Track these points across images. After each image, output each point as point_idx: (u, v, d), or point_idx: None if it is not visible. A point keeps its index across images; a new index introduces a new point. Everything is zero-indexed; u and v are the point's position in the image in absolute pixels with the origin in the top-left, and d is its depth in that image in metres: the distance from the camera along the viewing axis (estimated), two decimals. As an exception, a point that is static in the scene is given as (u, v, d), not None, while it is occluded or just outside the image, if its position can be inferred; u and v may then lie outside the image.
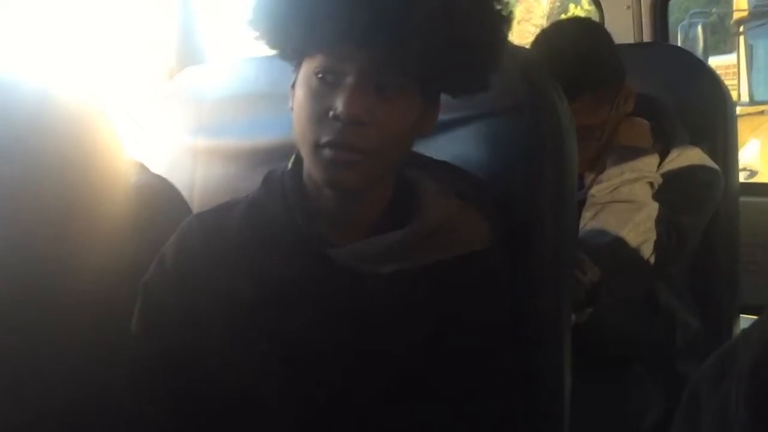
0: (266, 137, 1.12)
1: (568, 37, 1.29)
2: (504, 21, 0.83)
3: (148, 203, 0.95)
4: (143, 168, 1.03)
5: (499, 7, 0.82)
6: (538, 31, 1.40)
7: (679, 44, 4.11)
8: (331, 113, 0.76)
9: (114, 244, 0.79)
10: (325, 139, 0.76)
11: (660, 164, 1.31)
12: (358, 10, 0.73)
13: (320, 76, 0.77)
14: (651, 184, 1.25)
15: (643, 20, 1.75)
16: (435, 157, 0.93)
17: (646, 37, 1.77)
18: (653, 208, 1.23)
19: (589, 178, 1.33)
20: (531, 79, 0.94)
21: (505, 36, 0.84)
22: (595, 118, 1.27)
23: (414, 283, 0.83)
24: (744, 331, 0.52)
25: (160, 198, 0.99)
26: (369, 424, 0.83)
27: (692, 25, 4.30)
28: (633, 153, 1.27)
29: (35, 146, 0.67)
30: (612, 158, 1.28)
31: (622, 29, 1.73)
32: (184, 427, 0.82)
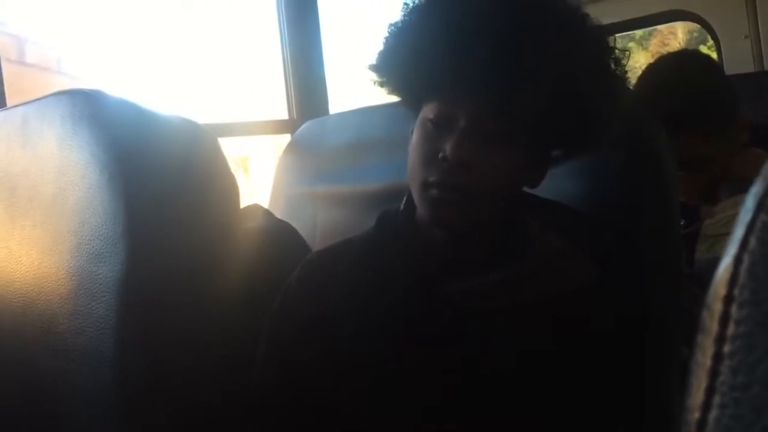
0: (380, 181, 1.19)
1: (672, 71, 1.28)
2: (618, 80, 0.85)
3: (273, 243, 1.04)
4: (268, 214, 1.13)
5: (614, 67, 0.84)
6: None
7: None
8: (440, 155, 0.81)
9: (241, 282, 0.86)
10: (432, 178, 0.81)
11: None
12: (472, 62, 0.78)
13: (434, 121, 0.83)
14: None
15: (763, 48, 1.70)
16: (534, 193, 0.96)
17: (767, 66, 1.71)
18: None
19: (704, 210, 1.31)
20: (629, 113, 0.96)
21: (620, 95, 0.85)
22: (706, 151, 1.25)
23: (522, 319, 0.84)
24: None
25: (283, 239, 1.09)
26: None
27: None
28: (748, 184, 1.23)
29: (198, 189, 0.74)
30: (726, 190, 1.25)
31: (740, 59, 1.68)
32: None
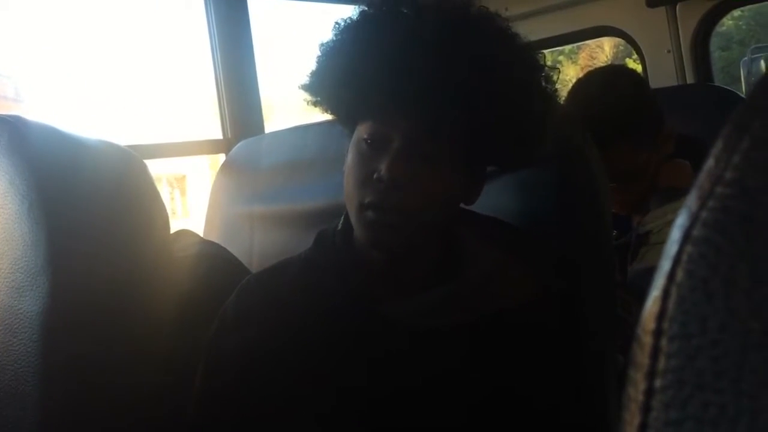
0: (317, 200, 1.18)
1: (600, 87, 1.32)
2: (549, 97, 0.86)
3: (207, 269, 1.01)
4: (200, 238, 1.11)
5: (546, 85, 0.85)
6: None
7: (742, 80, 4.03)
8: (375, 175, 0.80)
9: (174, 311, 0.83)
10: (368, 200, 0.81)
11: None
12: (406, 81, 0.77)
13: (369, 141, 0.82)
14: None
15: (685, 62, 1.76)
16: (473, 208, 0.96)
17: (690, 79, 1.78)
18: None
19: (635, 220, 1.34)
20: (560, 129, 0.97)
21: (551, 112, 0.86)
22: (633, 163, 1.29)
23: (462, 337, 0.84)
24: None
25: (217, 263, 1.06)
26: None
27: (754, 60, 4.20)
28: (676, 194, 1.27)
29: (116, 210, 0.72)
30: (655, 200, 1.29)
31: (664, 73, 1.74)
32: None
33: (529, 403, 0.86)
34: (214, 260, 1.05)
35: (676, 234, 0.22)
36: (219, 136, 1.57)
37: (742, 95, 1.59)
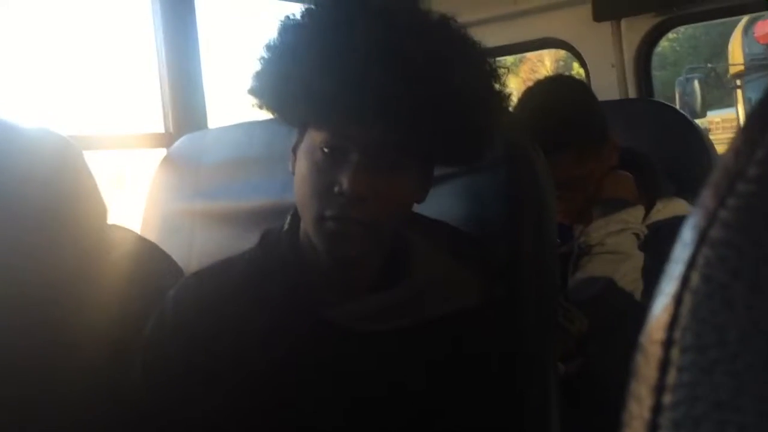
0: (261, 199, 1.16)
1: (549, 95, 1.34)
2: (503, 100, 0.86)
3: (142, 268, 0.97)
4: (136, 236, 1.06)
5: (499, 88, 0.85)
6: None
7: (677, 99, 4.17)
8: (336, 188, 0.78)
9: (107, 310, 0.80)
10: (329, 213, 0.78)
11: (646, 215, 1.33)
12: (364, 93, 0.75)
13: (325, 150, 0.79)
14: (637, 235, 1.28)
15: (627, 77, 1.81)
16: (421, 211, 0.96)
17: (632, 94, 1.83)
18: (639, 258, 1.25)
19: (577, 230, 1.36)
20: (508, 136, 0.98)
21: (503, 111, 0.87)
22: (579, 171, 1.30)
23: (409, 341, 0.84)
24: None
25: (153, 263, 1.02)
26: None
27: (689, 81, 4.36)
28: (618, 205, 1.30)
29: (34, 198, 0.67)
30: (598, 210, 1.31)
31: (607, 86, 1.78)
32: None
33: (467, 409, 0.86)
34: (150, 260, 1.01)
35: (689, 235, 0.20)
36: (161, 130, 1.52)
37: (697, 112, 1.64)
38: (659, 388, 0.19)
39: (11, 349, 0.65)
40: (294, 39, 0.82)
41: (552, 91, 1.36)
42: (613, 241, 1.25)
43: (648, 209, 1.34)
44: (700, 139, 1.49)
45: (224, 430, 0.82)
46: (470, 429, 0.86)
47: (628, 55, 1.80)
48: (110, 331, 0.81)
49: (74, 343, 0.70)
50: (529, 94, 1.38)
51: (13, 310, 0.62)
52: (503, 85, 0.86)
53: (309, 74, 0.77)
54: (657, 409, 0.19)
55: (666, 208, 1.35)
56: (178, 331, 0.85)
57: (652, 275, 1.25)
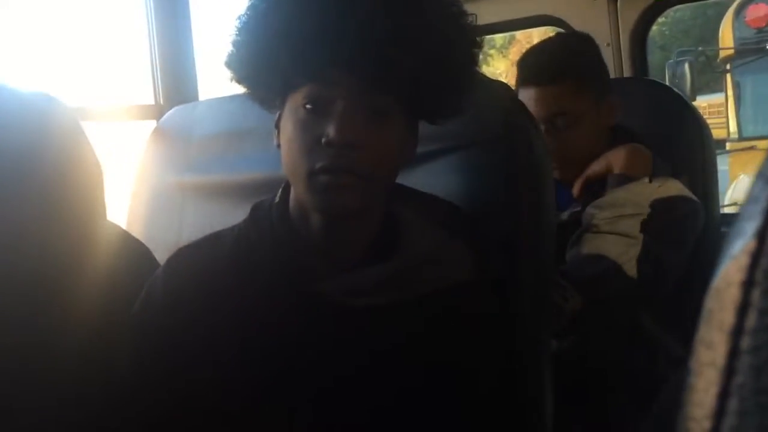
0: (252, 172, 1.14)
1: (552, 37, 1.40)
2: (476, 46, 0.85)
3: (130, 268, 0.94)
4: (124, 232, 1.04)
5: (472, 34, 0.85)
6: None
7: (666, 82, 4.17)
8: (323, 140, 0.76)
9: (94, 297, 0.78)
10: (319, 164, 0.77)
11: None
12: (345, 36, 0.75)
13: (308, 106, 0.78)
14: (643, 221, 1.27)
15: (623, 56, 1.80)
16: (417, 186, 0.94)
17: (626, 73, 1.82)
18: (642, 244, 1.24)
19: (577, 186, 1.34)
20: (507, 111, 0.97)
21: (477, 60, 0.86)
22: (576, 105, 1.30)
23: (399, 316, 0.83)
24: None
25: (143, 267, 0.99)
26: None
27: (679, 64, 4.37)
28: (634, 183, 1.29)
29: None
30: (612, 183, 1.29)
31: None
32: None
33: (462, 385, 0.85)
34: (140, 262, 0.97)
35: None
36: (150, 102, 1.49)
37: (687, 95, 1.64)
38: (737, 332, 0.17)
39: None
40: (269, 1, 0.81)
41: (560, 35, 1.38)
42: (625, 223, 1.25)
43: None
44: (695, 119, 1.48)
45: (215, 405, 0.81)
46: (464, 404, 0.86)
47: (624, 34, 1.79)
48: (101, 308, 0.78)
49: (57, 331, 0.67)
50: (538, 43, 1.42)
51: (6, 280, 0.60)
52: (473, 30, 0.86)
53: (289, 29, 0.77)
54: (733, 353, 0.17)
55: (661, 189, 1.34)
56: (167, 308, 0.84)
57: (647, 257, 1.24)
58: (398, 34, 0.75)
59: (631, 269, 1.22)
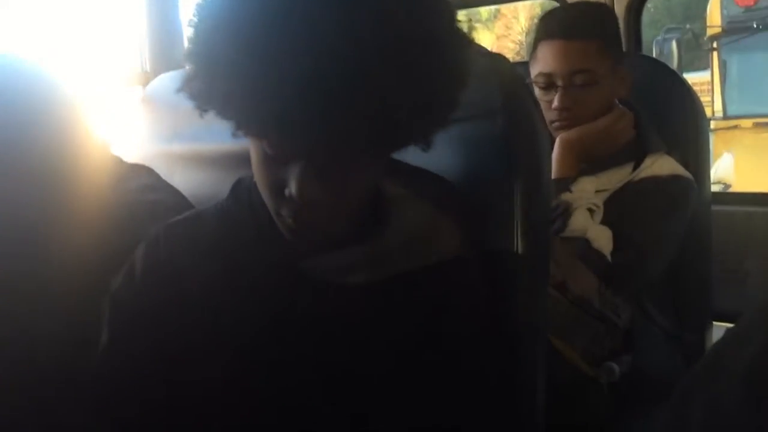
0: (243, 141, 1.11)
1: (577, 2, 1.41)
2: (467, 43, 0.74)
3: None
4: (163, 182, 1.03)
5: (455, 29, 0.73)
6: (517, 47, 1.47)
7: (653, 59, 4.17)
8: (286, 191, 0.71)
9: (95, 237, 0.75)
10: (284, 212, 0.74)
11: (635, 170, 1.33)
12: (297, 96, 0.63)
13: (268, 152, 0.72)
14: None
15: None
16: (409, 160, 0.92)
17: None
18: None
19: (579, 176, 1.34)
20: (506, 86, 0.95)
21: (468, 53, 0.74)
22: (597, 65, 1.31)
23: (385, 293, 0.82)
24: (732, 331, 0.52)
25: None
26: None
27: (666, 41, 4.36)
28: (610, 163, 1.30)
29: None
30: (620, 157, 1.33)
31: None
32: None
33: (451, 362, 0.84)
34: (168, 215, 0.95)
35: None
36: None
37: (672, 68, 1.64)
38: None
39: None
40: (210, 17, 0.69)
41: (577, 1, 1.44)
42: (597, 198, 1.26)
43: (636, 165, 1.34)
44: (689, 96, 1.47)
45: (193, 388, 0.80)
46: (453, 381, 0.85)
47: (619, 8, 1.77)
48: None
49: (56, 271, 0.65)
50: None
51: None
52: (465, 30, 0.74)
53: (228, 74, 0.65)
54: None
55: (654, 166, 1.34)
56: (147, 286, 0.82)
57: (634, 229, 1.25)
58: (372, 73, 0.63)
59: (600, 238, 1.22)
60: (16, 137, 0.58)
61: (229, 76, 0.65)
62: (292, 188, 0.70)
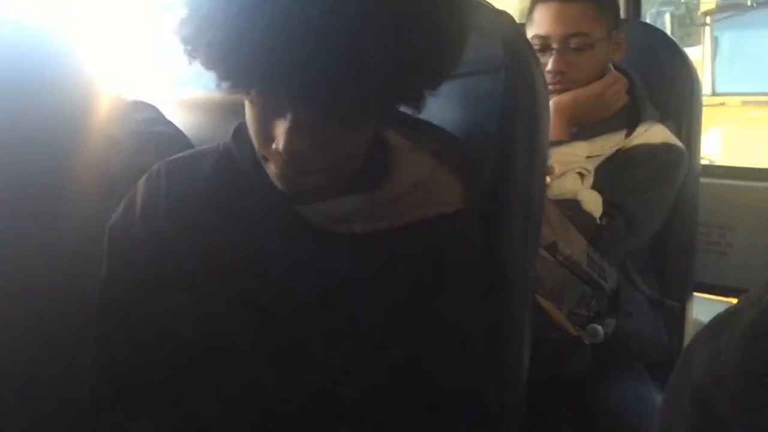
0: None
1: None
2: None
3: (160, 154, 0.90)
4: (163, 117, 1.01)
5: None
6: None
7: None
8: (273, 146, 0.72)
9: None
10: (272, 164, 0.75)
11: (627, 137, 1.34)
12: (292, 48, 0.62)
13: (257, 105, 0.72)
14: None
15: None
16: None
17: (621, 14, 1.78)
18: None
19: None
20: (508, 41, 0.94)
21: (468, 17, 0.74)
22: (593, 29, 1.30)
23: (386, 243, 0.82)
24: (745, 295, 0.53)
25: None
26: (341, 382, 0.82)
27: (660, 14, 4.35)
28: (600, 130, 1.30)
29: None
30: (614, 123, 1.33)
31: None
32: (148, 383, 0.81)
33: (443, 313, 0.85)
34: (172, 148, 0.94)
35: None
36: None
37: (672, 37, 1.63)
38: None
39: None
40: None
41: None
42: (588, 163, 1.27)
43: (629, 132, 1.34)
44: (686, 66, 1.48)
45: (193, 317, 0.81)
46: (444, 334, 0.86)
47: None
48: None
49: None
50: None
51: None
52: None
53: (214, 21, 0.66)
54: None
55: (647, 133, 1.35)
56: (146, 222, 0.83)
57: (624, 195, 1.27)
58: (362, 49, 0.62)
59: (590, 199, 1.24)
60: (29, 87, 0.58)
61: (216, 23, 0.65)
62: (279, 142, 0.71)
